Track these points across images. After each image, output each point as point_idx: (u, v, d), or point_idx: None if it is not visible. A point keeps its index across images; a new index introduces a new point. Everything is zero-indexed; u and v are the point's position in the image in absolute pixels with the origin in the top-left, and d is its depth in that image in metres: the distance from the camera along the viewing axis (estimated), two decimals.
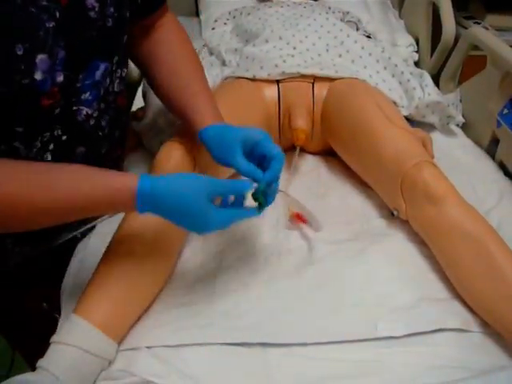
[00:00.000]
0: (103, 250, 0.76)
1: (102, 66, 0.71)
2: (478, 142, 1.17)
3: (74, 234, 0.82)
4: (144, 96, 1.13)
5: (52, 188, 0.59)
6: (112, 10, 0.70)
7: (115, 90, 0.76)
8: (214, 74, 1.21)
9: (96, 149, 0.78)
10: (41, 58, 0.61)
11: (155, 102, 1.10)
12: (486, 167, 1.09)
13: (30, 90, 0.62)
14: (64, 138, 0.70)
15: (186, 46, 0.86)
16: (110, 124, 0.78)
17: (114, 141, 0.84)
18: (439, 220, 0.80)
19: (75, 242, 0.91)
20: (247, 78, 1.08)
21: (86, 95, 0.71)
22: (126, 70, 0.78)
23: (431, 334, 0.73)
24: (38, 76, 0.62)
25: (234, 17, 1.38)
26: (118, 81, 0.76)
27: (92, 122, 0.74)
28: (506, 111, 1.06)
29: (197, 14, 1.68)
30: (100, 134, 0.77)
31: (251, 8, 1.35)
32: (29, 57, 0.60)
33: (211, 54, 1.31)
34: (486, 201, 0.96)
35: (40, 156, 0.69)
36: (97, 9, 0.67)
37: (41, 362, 0.64)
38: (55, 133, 0.69)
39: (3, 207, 0.57)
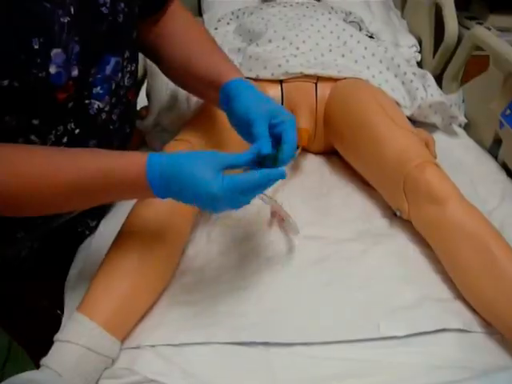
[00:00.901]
0: (106, 248, 0.76)
1: (113, 61, 0.73)
2: (480, 143, 1.17)
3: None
4: (148, 95, 1.13)
5: (71, 167, 0.61)
6: (122, 5, 0.72)
7: (125, 84, 0.78)
8: None
9: (107, 143, 0.79)
10: (56, 52, 0.62)
11: (159, 101, 1.11)
12: (489, 168, 1.09)
13: (46, 83, 0.63)
14: (77, 131, 0.72)
15: (194, 22, 0.87)
16: (121, 118, 0.80)
17: (125, 136, 0.85)
18: (442, 220, 0.80)
19: (78, 236, 0.91)
20: (250, 78, 1.09)
21: (98, 89, 0.72)
22: (135, 65, 0.79)
23: (433, 334, 0.73)
24: (53, 70, 0.63)
25: (237, 17, 1.38)
26: (127, 75, 0.78)
27: (103, 116, 0.75)
28: (508, 112, 1.06)
29: (199, 13, 1.68)
30: (111, 127, 0.78)
31: (254, 8, 1.35)
32: (44, 51, 0.61)
33: None
34: (489, 201, 0.96)
35: None
36: (108, 4, 0.69)
37: (44, 361, 0.65)
38: (68, 126, 0.71)
39: (27, 190, 0.59)
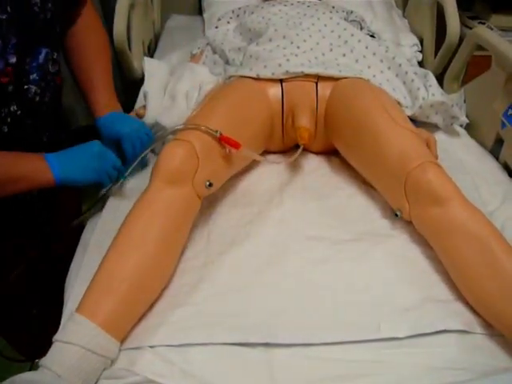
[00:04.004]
0: (105, 247, 0.76)
1: (44, 52, 0.86)
2: (482, 143, 1.16)
3: None
4: (145, 95, 1.13)
5: None
6: (50, 5, 0.85)
7: (51, 70, 0.90)
8: (217, 73, 1.21)
9: (41, 120, 0.92)
10: None
11: (157, 100, 1.11)
12: (490, 168, 1.08)
13: None
14: (18, 112, 0.84)
15: (95, 36, 1.01)
16: (52, 100, 0.93)
17: (56, 115, 0.99)
18: (443, 221, 0.80)
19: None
20: (251, 77, 1.08)
21: (34, 76, 0.85)
22: (57, 54, 0.92)
23: (434, 335, 0.73)
24: None
25: (238, 15, 1.38)
26: (51, 63, 0.90)
27: (37, 99, 0.88)
28: (510, 112, 1.05)
29: (200, 12, 1.68)
30: (45, 108, 0.91)
31: (255, 7, 1.34)
32: None
33: (214, 52, 1.31)
34: (490, 202, 0.96)
35: None
36: (39, 4, 0.83)
37: (43, 361, 0.65)
38: (11, 108, 0.83)
39: None
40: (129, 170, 0.93)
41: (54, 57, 0.90)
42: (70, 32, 0.98)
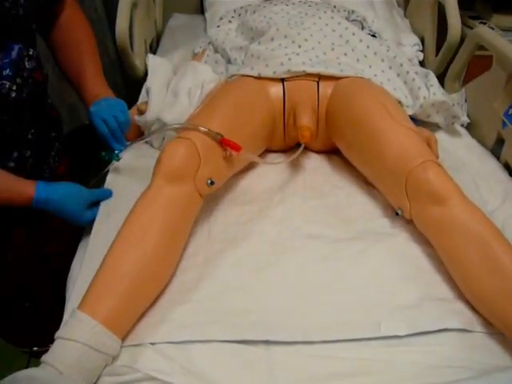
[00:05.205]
0: (107, 245, 0.76)
1: (16, 48, 0.85)
2: (482, 143, 1.17)
3: None
4: (148, 91, 1.13)
5: None
6: (22, 1, 0.84)
7: (27, 66, 0.88)
8: (219, 72, 1.21)
9: (18, 117, 0.90)
10: None
11: (159, 97, 1.11)
12: (491, 168, 1.08)
13: None
14: None
15: (80, 30, 1.01)
16: (31, 96, 0.91)
17: (38, 109, 0.97)
18: (444, 220, 0.80)
19: None
20: (252, 76, 1.08)
21: (7, 71, 0.84)
22: (33, 50, 0.90)
23: (434, 333, 0.73)
24: None
25: (240, 15, 1.38)
26: (27, 59, 0.88)
27: (13, 95, 0.86)
28: (511, 111, 1.06)
29: (202, 11, 1.68)
30: (22, 104, 0.89)
31: (256, 6, 1.34)
32: None
33: (216, 51, 1.31)
34: (491, 201, 0.97)
35: None
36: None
37: (45, 358, 0.65)
38: None
39: None
40: (123, 150, 0.98)
41: (30, 53, 0.88)
42: (54, 27, 0.97)
